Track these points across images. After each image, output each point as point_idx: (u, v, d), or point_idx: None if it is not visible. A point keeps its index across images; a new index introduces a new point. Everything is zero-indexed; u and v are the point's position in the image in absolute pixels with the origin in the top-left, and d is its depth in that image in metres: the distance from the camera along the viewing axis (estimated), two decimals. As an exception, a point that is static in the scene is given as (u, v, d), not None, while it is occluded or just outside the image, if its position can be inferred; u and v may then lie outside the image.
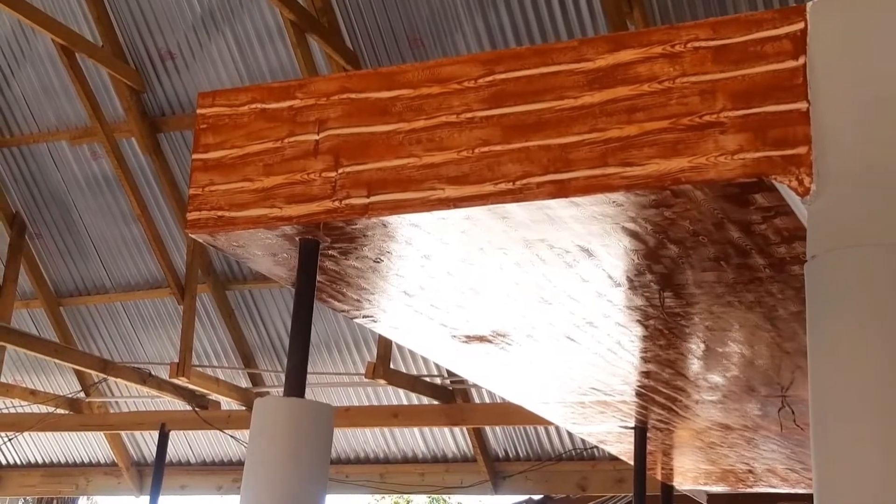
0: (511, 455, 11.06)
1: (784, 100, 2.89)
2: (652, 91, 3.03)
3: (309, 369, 3.63)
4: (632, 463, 7.03)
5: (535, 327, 4.52)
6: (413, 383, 10.04)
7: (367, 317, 4.46)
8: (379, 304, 4.28)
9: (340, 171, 3.40)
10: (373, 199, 3.33)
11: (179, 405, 11.05)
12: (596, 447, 9.54)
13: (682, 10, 7.80)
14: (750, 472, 7.93)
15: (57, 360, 10.19)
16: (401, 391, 10.55)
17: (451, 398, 10.41)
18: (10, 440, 12.60)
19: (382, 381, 9.20)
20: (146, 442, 12.36)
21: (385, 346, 9.12)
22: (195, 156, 3.66)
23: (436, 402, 10.37)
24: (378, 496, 21.86)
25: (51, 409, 11.66)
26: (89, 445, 12.75)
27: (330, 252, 3.70)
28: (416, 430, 11.20)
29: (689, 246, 3.48)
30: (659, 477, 8.40)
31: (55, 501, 14.78)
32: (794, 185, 2.84)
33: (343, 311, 4.39)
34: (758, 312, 4.16)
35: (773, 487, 8.58)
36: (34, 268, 11.04)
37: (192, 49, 9.37)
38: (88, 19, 9.38)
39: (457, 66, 3.33)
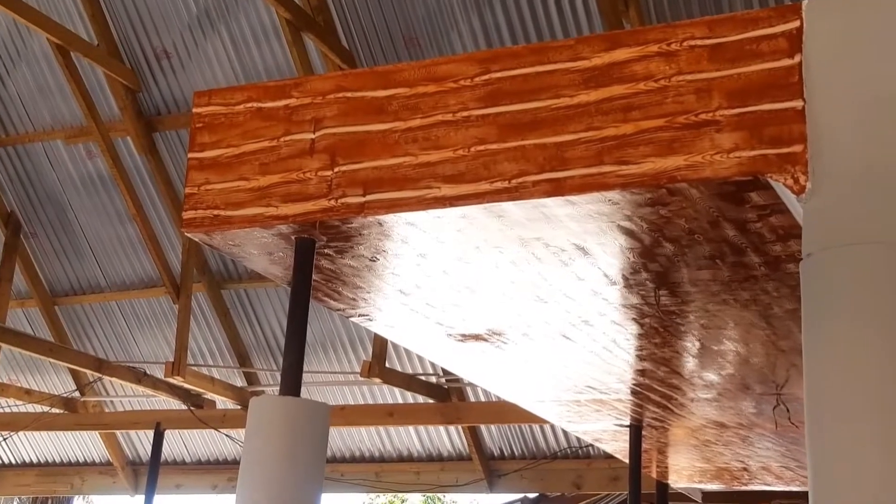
0: (506, 453, 11.06)
1: (780, 98, 2.89)
2: (648, 89, 3.03)
3: (304, 368, 3.63)
4: (627, 461, 7.04)
5: (530, 326, 4.52)
6: (408, 382, 10.04)
7: (363, 315, 4.46)
8: (375, 303, 4.28)
9: (336, 169, 3.40)
10: (369, 197, 3.33)
11: (175, 404, 11.04)
12: (591, 445, 9.55)
13: (677, 9, 7.80)
14: (745, 469, 7.95)
15: (52, 360, 10.18)
16: (396, 390, 10.55)
17: (446, 397, 10.41)
18: (4, 440, 12.58)
19: (378, 380, 9.19)
20: (141, 441, 12.35)
21: (380, 344, 9.12)
22: (191, 155, 3.66)
23: (431, 401, 10.37)
24: (373, 495, 21.88)
25: (46, 409, 11.64)
26: (84, 445, 12.73)
27: (326, 251, 3.70)
28: (411, 428, 11.20)
29: (684, 244, 3.48)
30: (654, 475, 8.41)
31: (50, 501, 14.78)
32: (790, 183, 2.84)
33: (339, 309, 4.39)
34: (753, 310, 4.17)
35: (768, 485, 8.60)
36: (29, 267, 11.02)
37: (188, 48, 9.36)
38: (84, 18, 9.36)
39: (453, 64, 3.33)
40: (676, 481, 8.63)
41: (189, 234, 3.66)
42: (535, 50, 3.24)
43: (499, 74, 3.24)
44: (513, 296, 4.12)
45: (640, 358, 4.96)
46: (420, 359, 10.26)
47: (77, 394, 11.78)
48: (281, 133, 3.53)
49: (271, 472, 3.43)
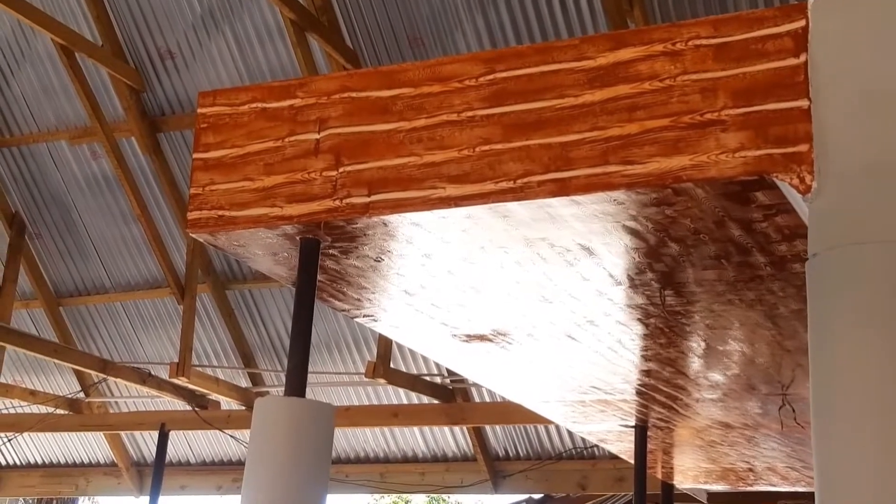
0: (511, 454, 11.06)
1: (785, 97, 2.89)
2: (653, 89, 3.03)
3: (309, 369, 3.63)
4: (632, 462, 7.03)
5: (535, 326, 4.51)
6: (413, 382, 10.04)
7: (368, 316, 4.45)
8: (379, 304, 4.27)
9: (341, 170, 3.40)
10: (373, 198, 3.33)
11: (179, 405, 11.04)
12: (596, 446, 9.54)
13: (682, 8, 7.79)
14: (750, 470, 7.93)
15: (56, 361, 10.19)
16: (401, 390, 10.55)
17: (451, 397, 10.41)
18: (9, 440, 12.59)
19: (382, 381, 9.20)
20: (146, 442, 12.36)
21: (385, 345, 9.12)
22: (196, 155, 3.66)
23: (436, 402, 10.37)
24: (378, 496, 21.88)
25: (50, 410, 11.65)
26: (89, 446, 12.74)
27: (330, 251, 3.70)
28: (416, 429, 11.20)
29: (689, 244, 3.48)
30: (659, 475, 8.40)
31: (55, 502, 14.77)
32: (796, 182, 2.84)
33: (343, 310, 4.39)
34: (758, 310, 4.16)
35: (774, 486, 8.58)
36: (34, 268, 11.03)
37: (192, 48, 9.37)
38: (88, 19, 9.37)
39: (457, 64, 3.32)
40: (682, 482, 8.61)
41: (194, 235, 3.66)
42: (540, 50, 3.23)
43: (503, 74, 3.24)
44: (518, 296, 4.12)
45: (646, 358, 4.96)
46: (425, 359, 10.26)
47: (82, 395, 11.79)
48: (286, 133, 3.52)
49: (276, 473, 3.43)
